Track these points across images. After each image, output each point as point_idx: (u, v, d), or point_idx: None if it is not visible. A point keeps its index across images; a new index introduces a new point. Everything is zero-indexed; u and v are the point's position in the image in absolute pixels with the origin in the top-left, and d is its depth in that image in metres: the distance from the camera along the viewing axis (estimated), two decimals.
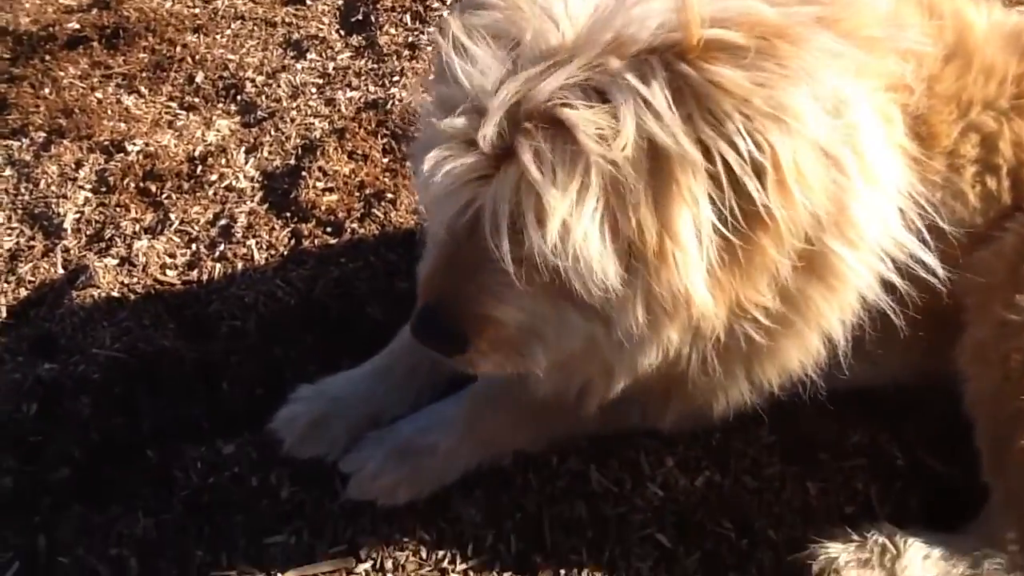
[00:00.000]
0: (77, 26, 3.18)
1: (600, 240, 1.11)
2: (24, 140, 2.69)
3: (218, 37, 3.10)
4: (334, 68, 2.87)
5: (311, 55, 2.95)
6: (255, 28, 3.13)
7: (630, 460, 1.69)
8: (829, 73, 1.12)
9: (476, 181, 1.14)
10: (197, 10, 3.27)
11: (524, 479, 1.69)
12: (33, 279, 2.25)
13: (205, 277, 2.17)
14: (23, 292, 2.22)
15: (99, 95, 2.87)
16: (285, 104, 2.73)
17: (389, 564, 1.61)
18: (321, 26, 3.09)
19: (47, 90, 2.88)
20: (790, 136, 1.07)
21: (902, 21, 1.45)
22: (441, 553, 1.62)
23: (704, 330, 1.26)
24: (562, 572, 1.57)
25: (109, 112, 2.78)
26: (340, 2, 3.22)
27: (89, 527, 1.68)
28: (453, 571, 1.60)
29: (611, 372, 1.39)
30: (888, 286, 1.35)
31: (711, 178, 1.09)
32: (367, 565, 1.61)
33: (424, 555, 1.62)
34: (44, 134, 2.71)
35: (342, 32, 3.07)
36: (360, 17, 3.09)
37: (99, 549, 1.64)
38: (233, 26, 3.15)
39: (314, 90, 2.79)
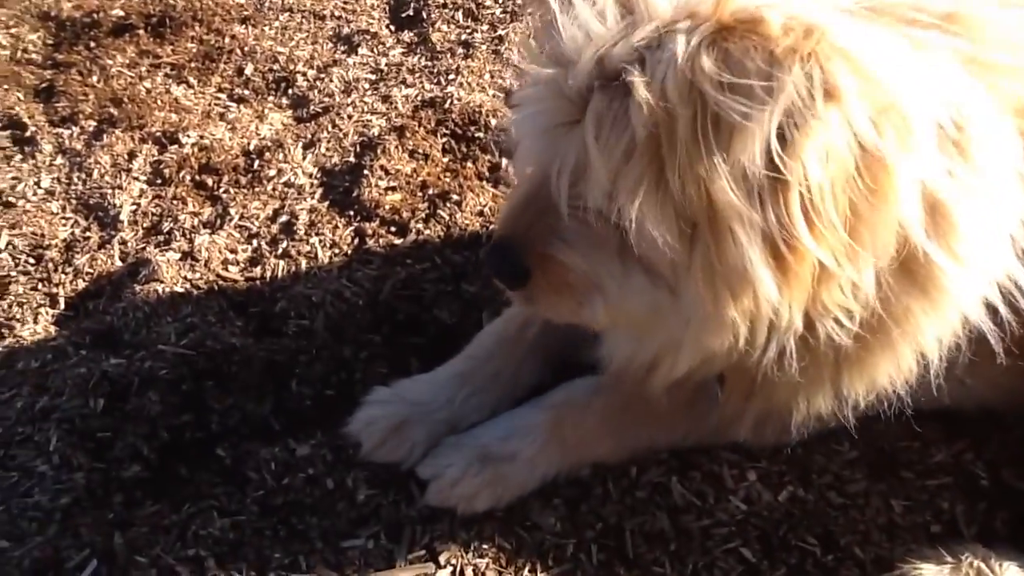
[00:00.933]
0: (122, 13, 3.16)
1: (651, 203, 1.13)
2: (75, 128, 2.67)
3: (266, 29, 3.08)
4: (387, 64, 2.86)
5: (362, 50, 2.94)
6: (303, 21, 3.11)
7: (712, 473, 1.68)
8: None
9: (558, 128, 1.21)
10: (243, 0, 3.24)
11: (604, 489, 1.68)
12: (91, 271, 2.22)
13: (269, 274, 2.15)
14: (81, 284, 2.20)
15: (148, 84, 2.85)
16: (339, 99, 2.71)
17: (469, 571, 1.60)
18: (371, 20, 3.08)
19: (95, 78, 2.86)
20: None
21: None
22: (521, 561, 1.61)
23: (779, 322, 1.24)
24: None
25: (159, 102, 2.76)
26: None
27: (165, 526, 1.66)
28: None
29: (678, 347, 1.38)
30: (991, 308, 1.34)
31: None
32: (447, 571, 1.59)
33: (504, 563, 1.61)
34: (95, 123, 2.69)
35: (392, 28, 3.05)
36: (411, 13, 3.07)
37: (176, 549, 1.62)
38: (281, 18, 3.13)
39: (367, 86, 2.77)
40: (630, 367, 1.53)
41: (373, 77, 2.81)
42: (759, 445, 1.70)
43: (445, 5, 3.04)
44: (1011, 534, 1.59)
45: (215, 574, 1.60)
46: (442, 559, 1.61)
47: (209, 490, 1.73)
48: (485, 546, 1.63)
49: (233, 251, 2.23)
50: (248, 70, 2.90)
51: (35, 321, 2.11)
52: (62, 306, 2.16)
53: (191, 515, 1.69)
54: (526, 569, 1.60)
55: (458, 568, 1.61)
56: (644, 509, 1.65)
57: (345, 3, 3.18)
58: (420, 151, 2.43)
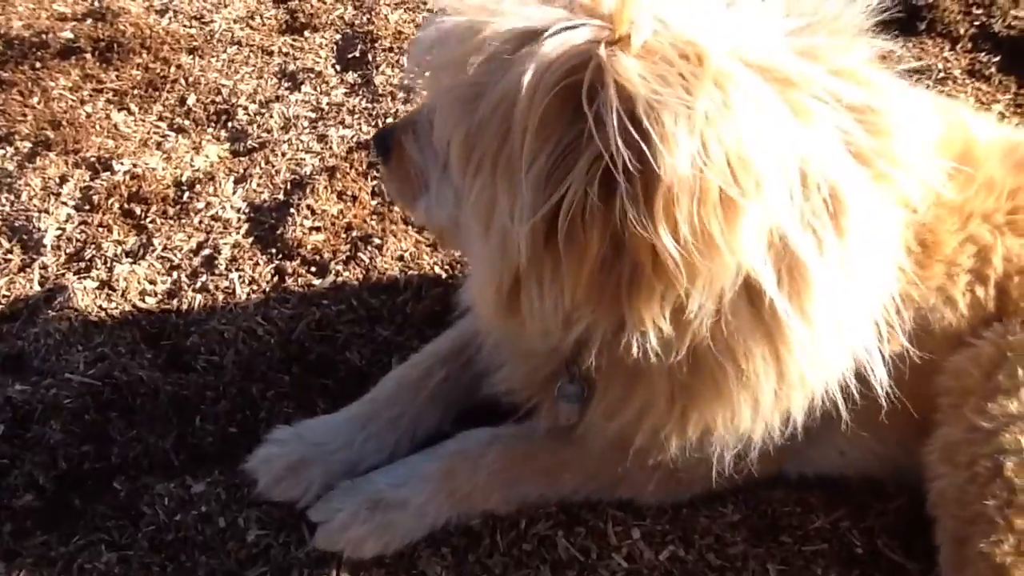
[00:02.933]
0: (71, 36, 3.17)
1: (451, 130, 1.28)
2: (9, 149, 2.68)
3: (213, 60, 3.11)
4: (328, 103, 2.90)
5: (305, 88, 2.97)
6: (251, 55, 3.14)
7: (598, 529, 1.71)
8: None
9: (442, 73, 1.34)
10: (193, 31, 3.27)
11: (492, 540, 1.71)
12: (8, 294, 2.23)
13: (185, 307, 2.16)
14: None
15: (88, 109, 2.86)
16: (276, 136, 2.75)
17: None
18: (318, 59, 3.12)
19: (36, 99, 2.87)
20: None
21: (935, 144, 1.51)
22: None
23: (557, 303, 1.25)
24: None
25: (97, 127, 2.77)
26: (338, 37, 3.25)
27: (51, 558, 1.67)
28: None
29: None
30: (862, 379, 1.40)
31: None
32: None
33: None
34: (30, 144, 2.69)
35: (338, 67, 3.09)
36: (357, 54, 3.12)
37: None
38: (229, 51, 3.16)
39: (306, 124, 2.81)
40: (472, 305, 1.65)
41: (313, 115, 2.85)
42: (645, 503, 1.74)
43: (391, 49, 3.10)
44: None
45: None
46: None
47: (101, 523, 1.74)
48: None
49: (152, 282, 2.24)
50: (190, 100, 2.92)
51: None
52: None
53: (80, 547, 1.69)
54: None
55: None
56: (529, 562, 1.68)
57: (294, 40, 3.23)
58: (349, 193, 2.46)
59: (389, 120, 2.75)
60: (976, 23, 3.31)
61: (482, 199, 1.24)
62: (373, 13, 3.32)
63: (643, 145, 1.06)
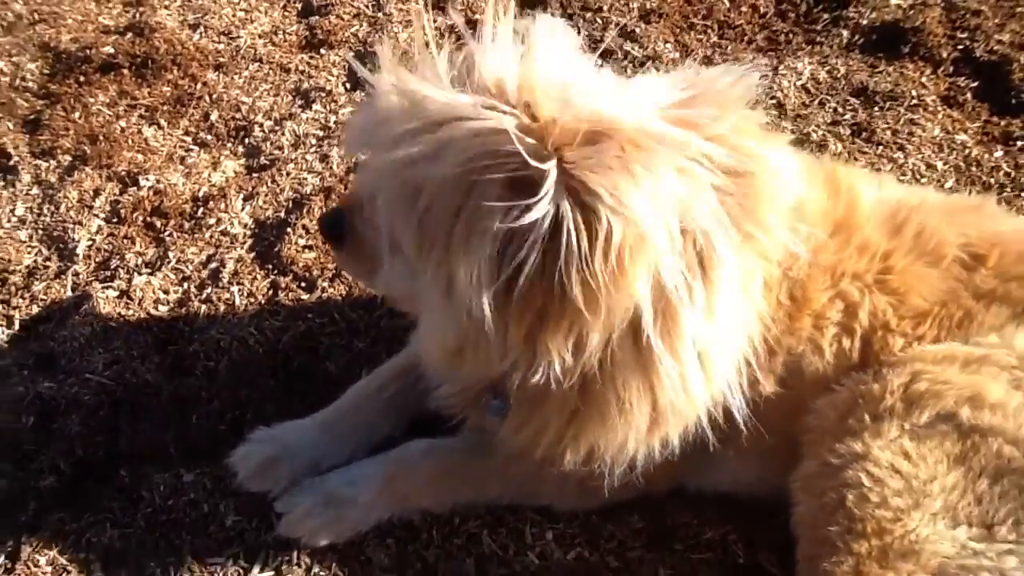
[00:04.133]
0: (111, 51, 3.50)
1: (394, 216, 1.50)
2: (52, 162, 3.04)
3: (236, 77, 3.41)
4: (335, 122, 3.19)
5: (316, 106, 3.26)
6: (270, 72, 3.44)
7: (517, 529, 2.00)
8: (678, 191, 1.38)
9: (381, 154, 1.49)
10: (222, 46, 3.58)
11: (429, 535, 2.01)
12: (45, 298, 2.59)
13: (191, 316, 2.50)
14: (35, 309, 2.57)
15: (123, 123, 3.20)
16: (286, 153, 3.05)
17: None
18: (330, 78, 3.40)
19: (77, 114, 3.22)
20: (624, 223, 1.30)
21: (803, 207, 1.72)
22: None
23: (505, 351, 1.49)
24: None
25: (129, 142, 3.11)
26: (351, 55, 3.52)
27: (65, 532, 2.02)
28: None
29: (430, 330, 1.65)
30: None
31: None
32: None
33: None
34: (70, 158, 3.05)
35: (348, 86, 3.37)
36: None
37: (70, 552, 1.98)
38: (251, 68, 3.46)
39: (313, 142, 3.10)
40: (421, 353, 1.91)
41: (320, 134, 3.14)
42: (560, 509, 2.02)
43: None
44: None
45: None
46: None
47: (107, 504, 2.08)
48: (323, 573, 1.97)
49: (165, 292, 2.58)
50: (214, 116, 3.24)
51: None
52: (16, 327, 2.52)
53: (89, 524, 2.04)
54: None
55: None
56: (457, 554, 1.98)
57: (311, 58, 3.52)
58: None
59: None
60: (959, 47, 3.44)
61: (440, 274, 1.44)
62: (386, 31, 3.59)
63: (579, 211, 1.30)
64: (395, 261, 1.66)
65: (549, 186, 1.31)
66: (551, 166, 1.31)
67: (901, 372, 1.72)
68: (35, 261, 2.71)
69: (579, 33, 3.62)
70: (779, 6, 3.85)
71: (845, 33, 3.62)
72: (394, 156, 1.42)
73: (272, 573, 1.97)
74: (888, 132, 3.09)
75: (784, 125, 3.14)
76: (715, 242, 1.43)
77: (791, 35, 3.67)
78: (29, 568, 1.94)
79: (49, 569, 1.95)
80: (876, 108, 3.20)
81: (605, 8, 3.76)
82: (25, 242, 2.77)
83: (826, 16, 3.73)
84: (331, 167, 2.97)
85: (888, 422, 1.70)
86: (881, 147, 3.05)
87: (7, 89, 3.42)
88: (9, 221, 2.84)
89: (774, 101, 3.25)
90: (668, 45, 3.60)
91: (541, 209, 1.31)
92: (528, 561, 1.95)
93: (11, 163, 3.04)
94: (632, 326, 1.44)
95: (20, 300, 2.58)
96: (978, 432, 1.67)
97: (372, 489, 2.00)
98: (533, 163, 1.31)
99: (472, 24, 1.58)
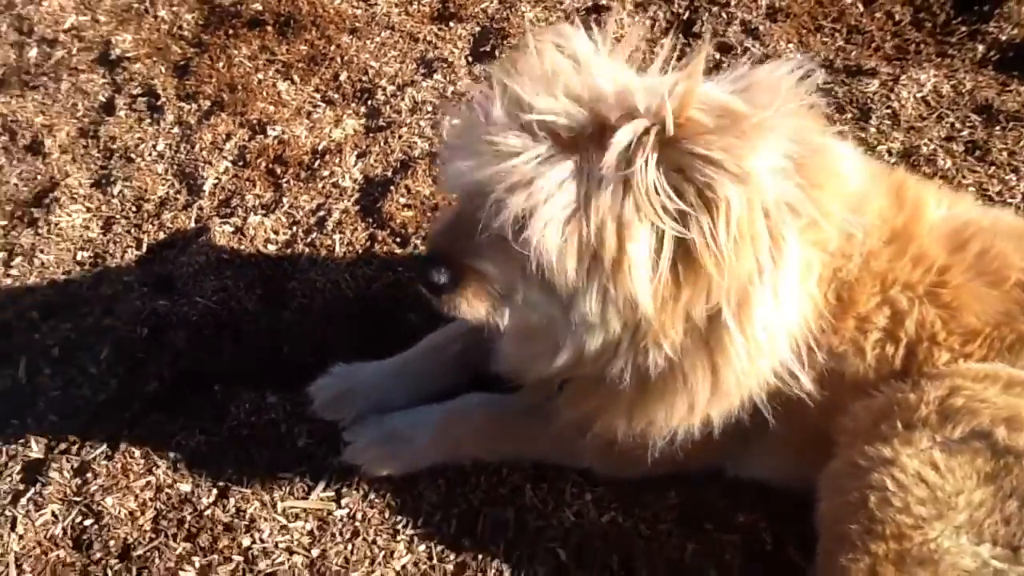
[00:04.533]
0: (260, 8, 3.78)
1: (559, 239, 1.47)
2: (193, 105, 3.33)
3: (368, 42, 3.63)
4: (451, 92, 3.35)
5: (437, 75, 3.44)
6: (400, 40, 3.64)
7: (558, 488, 2.12)
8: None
9: (490, 172, 1.49)
10: (359, 12, 3.80)
11: (477, 480, 2.15)
12: (171, 226, 2.87)
13: (295, 257, 2.72)
14: (161, 235, 2.85)
15: (260, 76, 3.47)
16: (403, 117, 3.23)
17: (359, 515, 2.12)
18: (454, 50, 3.57)
19: (221, 64, 3.51)
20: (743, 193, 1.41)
21: (863, 204, 1.78)
22: (399, 517, 2.12)
23: (639, 338, 1.60)
24: (479, 556, 2.03)
25: (264, 94, 3.37)
26: (477, 29, 3.68)
27: (160, 432, 2.28)
28: (403, 533, 2.09)
29: (557, 350, 1.73)
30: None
31: (671, 215, 1.44)
32: (344, 512, 2.12)
33: (387, 515, 2.12)
34: (209, 103, 3.34)
35: (470, 59, 3.53)
36: (488, 48, 3.55)
37: (162, 451, 2.23)
38: (383, 34, 3.67)
39: (429, 110, 3.28)
40: (513, 365, 2.00)
41: (437, 103, 3.32)
42: (601, 475, 2.13)
43: (518, 47, 3.49)
44: None
45: (183, 473, 2.20)
46: (343, 502, 2.14)
47: (199, 413, 2.33)
48: (377, 501, 2.15)
49: (276, 232, 2.81)
50: (343, 77, 3.47)
51: (122, 257, 2.78)
52: (144, 250, 2.82)
53: (181, 427, 2.29)
54: (400, 524, 2.11)
55: (353, 511, 2.13)
56: (500, 502, 2.12)
57: (439, 29, 3.69)
58: None
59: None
60: None
61: (598, 285, 1.52)
62: (512, 10, 3.73)
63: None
64: (529, 289, 1.62)
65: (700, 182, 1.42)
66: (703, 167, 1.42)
67: (940, 385, 1.73)
68: (167, 193, 3.00)
69: (702, 26, 3.67)
70: (916, 15, 3.76)
71: (980, 48, 3.51)
72: (539, 182, 1.46)
73: (332, 494, 2.16)
74: (1004, 153, 3.00)
75: (895, 135, 3.10)
76: (784, 226, 1.51)
77: (922, 45, 3.59)
78: (125, 459, 2.20)
79: (142, 461, 2.20)
80: (997, 127, 3.11)
81: (733, 3, 3.77)
82: (161, 175, 3.07)
83: (964, 29, 3.62)
84: (440, 134, 3.14)
85: (920, 431, 1.72)
86: (994, 167, 2.96)
87: (165, 35, 3.76)
88: (150, 155, 3.14)
89: (889, 111, 3.21)
90: (791, 45, 3.59)
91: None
92: (564, 517, 2.07)
93: (159, 103, 3.35)
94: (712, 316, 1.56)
95: (150, 226, 2.87)
96: (1012, 453, 1.67)
97: (429, 433, 2.16)
98: (696, 167, 1.42)
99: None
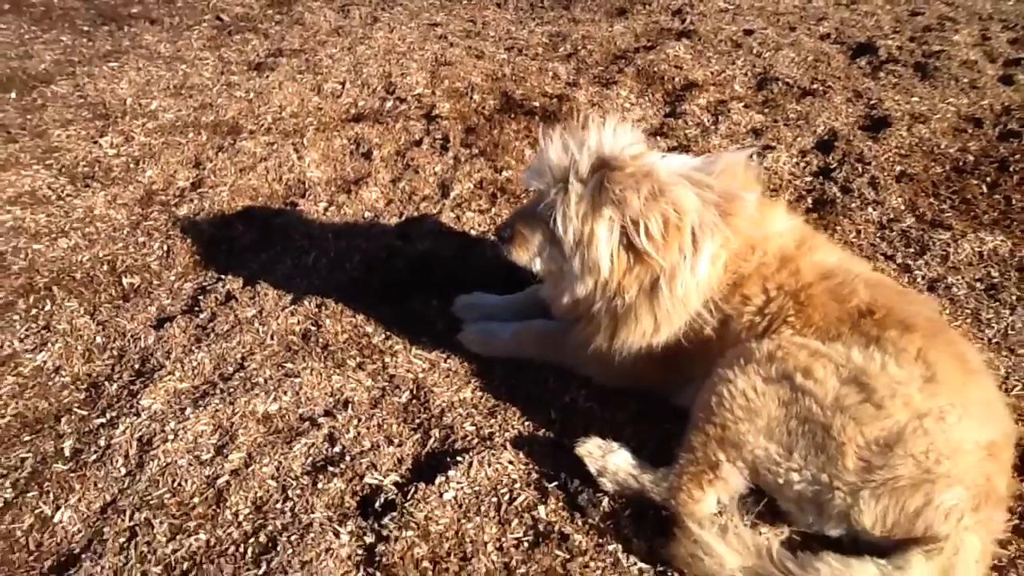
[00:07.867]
0: (536, 104, 5.54)
1: (565, 222, 2.88)
2: (467, 150, 5.12)
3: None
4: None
5: None
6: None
7: (564, 382, 3.39)
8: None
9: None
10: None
11: (521, 367, 3.52)
12: (422, 211, 4.56)
13: (483, 240, 4.30)
14: (415, 213, 4.56)
15: (516, 143, 5.17)
16: None
17: (457, 367, 3.54)
18: None
19: (495, 131, 5.27)
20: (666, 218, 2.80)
21: (767, 228, 3.01)
22: (477, 374, 3.52)
23: (608, 292, 2.96)
24: (508, 402, 3.38)
25: (513, 153, 5.05)
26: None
27: (375, 308, 3.87)
28: (475, 381, 3.47)
29: (563, 292, 3.12)
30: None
31: (622, 224, 2.82)
32: (448, 365, 3.56)
33: (471, 371, 3.53)
34: (477, 151, 5.10)
35: None
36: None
37: (373, 314, 3.84)
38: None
39: None
40: (551, 303, 3.36)
41: None
42: (595, 380, 3.38)
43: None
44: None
45: (380, 329, 3.79)
46: (448, 360, 3.60)
47: (398, 302, 3.92)
48: (469, 364, 3.57)
49: (479, 226, 4.43)
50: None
51: (387, 219, 4.52)
52: (402, 218, 4.53)
53: (388, 308, 3.89)
54: (475, 376, 3.51)
55: (455, 367, 3.58)
56: (533, 377, 3.46)
57: None
58: None
59: None
60: None
61: (582, 251, 2.94)
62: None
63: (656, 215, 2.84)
64: (552, 249, 2.98)
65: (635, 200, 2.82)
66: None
67: (773, 343, 2.82)
68: (429, 192, 4.75)
69: (839, 172, 4.89)
70: None
71: None
72: (565, 188, 2.95)
73: (446, 355, 3.62)
74: (1014, 297, 3.81)
75: (936, 268, 4.02)
76: (704, 231, 2.84)
77: (1014, 223, 4.38)
78: (331, 326, 3.82)
79: (339, 328, 3.78)
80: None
81: (873, 162, 4.87)
82: (430, 183, 4.83)
83: None
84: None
85: (751, 367, 2.79)
86: (998, 303, 3.79)
87: (471, 110, 5.64)
88: (429, 172, 4.94)
89: (943, 253, 4.12)
90: (899, 199, 4.58)
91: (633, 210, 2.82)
92: (562, 400, 3.35)
93: (447, 145, 5.18)
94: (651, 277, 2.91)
95: (410, 207, 4.61)
96: (802, 391, 2.66)
97: (507, 336, 3.57)
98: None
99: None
